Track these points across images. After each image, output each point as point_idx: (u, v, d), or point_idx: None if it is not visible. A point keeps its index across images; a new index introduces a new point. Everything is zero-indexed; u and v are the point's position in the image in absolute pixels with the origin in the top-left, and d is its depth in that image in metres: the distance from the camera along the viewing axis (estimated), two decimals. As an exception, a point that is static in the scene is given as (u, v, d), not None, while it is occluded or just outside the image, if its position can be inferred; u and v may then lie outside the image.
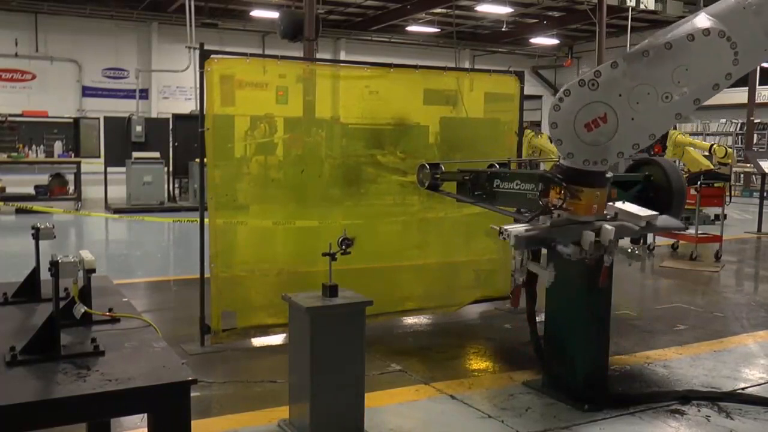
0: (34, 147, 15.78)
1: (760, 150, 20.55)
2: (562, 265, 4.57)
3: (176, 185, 17.09)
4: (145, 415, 2.16)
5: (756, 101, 20.85)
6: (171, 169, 16.44)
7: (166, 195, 16.22)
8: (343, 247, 3.94)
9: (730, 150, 14.40)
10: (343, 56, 25.40)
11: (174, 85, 23.12)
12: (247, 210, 5.90)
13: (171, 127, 16.46)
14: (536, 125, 23.34)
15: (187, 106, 20.81)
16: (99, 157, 16.21)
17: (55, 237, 2.96)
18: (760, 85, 21.13)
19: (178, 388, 2.05)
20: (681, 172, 4.86)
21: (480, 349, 5.85)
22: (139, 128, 15.97)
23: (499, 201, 4.94)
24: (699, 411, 4.39)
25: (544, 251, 4.65)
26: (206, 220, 5.57)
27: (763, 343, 6.02)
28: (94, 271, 2.52)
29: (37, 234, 2.92)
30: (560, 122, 3.92)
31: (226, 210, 5.63)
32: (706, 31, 3.58)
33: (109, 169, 15.67)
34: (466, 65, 25.87)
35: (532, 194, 4.57)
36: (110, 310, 2.62)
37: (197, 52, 5.60)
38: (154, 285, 8.24)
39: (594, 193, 4.10)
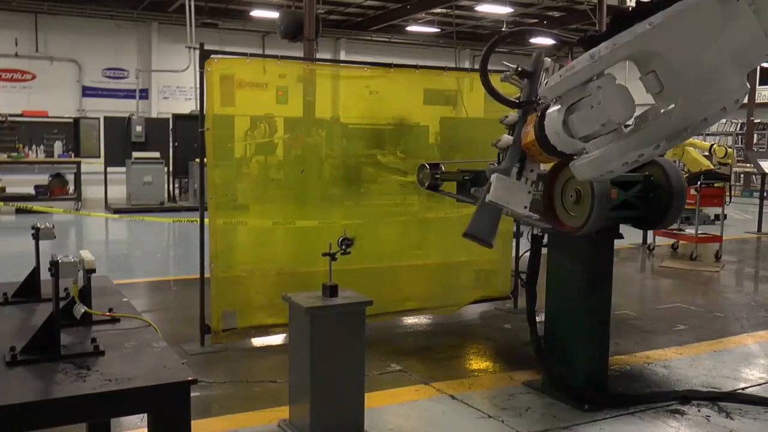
0: (34, 147, 15.77)
1: (760, 150, 20.56)
2: (562, 265, 4.58)
3: (176, 185, 17.09)
4: (145, 415, 2.15)
5: (756, 101, 20.86)
6: (171, 169, 16.44)
7: (166, 195, 16.22)
8: (343, 247, 3.94)
9: (730, 150, 14.39)
10: (343, 56, 25.42)
11: (174, 85, 23.15)
12: (247, 210, 5.90)
13: (171, 127, 16.45)
14: (536, 125, 23.33)
15: (187, 106, 20.83)
16: (99, 157, 16.21)
17: (55, 237, 2.95)
18: (760, 85, 21.13)
19: (178, 388, 2.05)
20: (681, 172, 4.85)
21: (480, 349, 5.85)
22: (139, 128, 15.97)
23: (499, 201, 4.93)
24: (699, 411, 4.39)
25: (544, 251, 4.64)
26: (206, 220, 5.57)
27: (763, 343, 6.02)
28: (94, 271, 2.52)
29: (37, 234, 2.92)
30: None
31: (226, 210, 5.63)
32: None
33: (109, 169, 15.68)
34: (466, 65, 25.90)
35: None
36: (110, 310, 2.62)
37: (197, 52, 5.60)
38: (154, 285, 8.25)
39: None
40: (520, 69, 3.50)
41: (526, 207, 3.74)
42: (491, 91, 3.73)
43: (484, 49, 3.73)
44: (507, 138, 3.57)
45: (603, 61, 3.16)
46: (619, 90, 3.20)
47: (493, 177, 3.41)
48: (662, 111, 3.17)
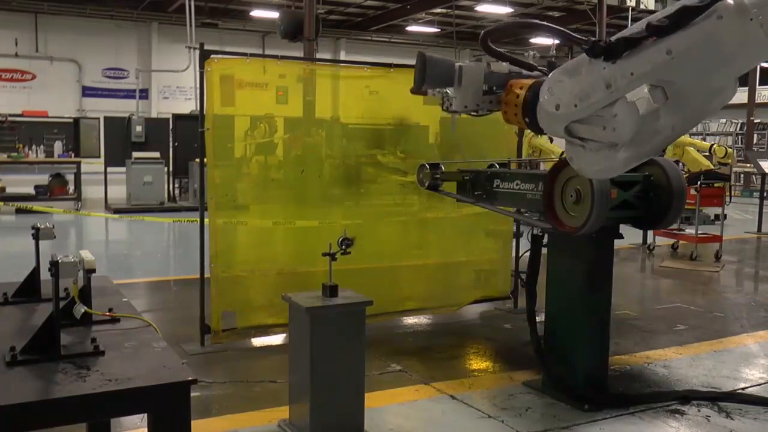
0: (34, 147, 15.77)
1: (760, 150, 20.57)
2: (562, 265, 4.58)
3: (176, 185, 17.09)
4: (145, 415, 2.15)
5: (756, 101, 20.86)
6: (171, 169, 16.45)
7: (166, 195, 16.22)
8: (343, 247, 3.94)
9: (730, 150, 14.39)
10: (343, 56, 25.42)
11: (174, 85, 23.16)
12: (247, 210, 5.90)
13: (171, 127, 16.46)
14: (536, 125, 23.33)
15: (187, 106, 20.83)
16: (99, 157, 16.22)
17: (55, 237, 2.96)
18: (760, 85, 21.14)
19: (178, 388, 2.05)
20: (681, 172, 4.85)
21: (480, 349, 5.85)
22: (139, 128, 15.97)
23: (499, 201, 4.94)
24: (699, 411, 4.39)
25: (544, 251, 4.64)
26: (206, 220, 5.57)
27: (763, 343, 6.02)
28: (94, 271, 2.51)
29: (37, 234, 2.92)
30: None
31: (226, 210, 5.63)
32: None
33: (109, 169, 15.68)
34: (466, 65, 25.82)
35: (532, 194, 4.57)
36: (110, 310, 2.62)
37: (197, 52, 5.60)
38: (154, 285, 8.25)
39: None
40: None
41: (466, 107, 3.88)
42: (500, 55, 3.79)
43: (497, 25, 3.90)
44: (503, 66, 3.74)
45: (620, 92, 3.17)
46: (632, 115, 3.20)
47: (474, 64, 3.66)
48: (664, 123, 3.18)
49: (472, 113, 4.27)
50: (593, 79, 3.33)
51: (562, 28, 3.72)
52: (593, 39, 3.50)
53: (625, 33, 3.23)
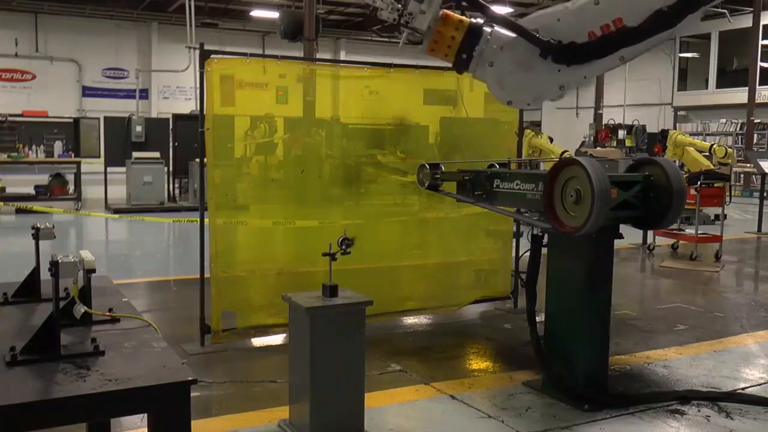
0: (34, 147, 15.78)
1: (760, 150, 20.55)
2: (562, 265, 4.58)
3: (176, 185, 17.09)
4: (145, 415, 2.15)
5: (756, 101, 20.85)
6: (171, 169, 16.45)
7: (166, 195, 16.23)
8: (343, 247, 3.94)
9: (730, 150, 14.39)
10: (343, 56, 25.42)
11: (174, 85, 23.15)
12: (247, 210, 5.90)
13: (171, 127, 16.46)
14: (536, 125, 23.36)
15: (187, 106, 20.83)
16: (99, 157, 16.22)
17: (55, 237, 2.96)
18: (760, 85, 21.14)
19: (178, 388, 2.05)
20: (681, 172, 4.85)
21: (480, 349, 5.85)
22: (139, 128, 15.97)
23: (499, 201, 4.94)
24: (699, 411, 4.39)
25: (544, 251, 4.65)
26: (206, 220, 5.57)
27: (763, 343, 6.02)
28: (94, 271, 2.51)
29: (37, 234, 2.92)
30: None
31: (226, 210, 5.63)
32: None
33: (109, 169, 15.68)
34: (466, 65, 25.80)
35: (532, 194, 4.57)
36: (110, 310, 2.62)
37: (197, 52, 5.60)
38: (154, 285, 8.25)
39: None
40: None
41: (394, 20, 3.82)
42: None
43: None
44: None
45: (569, 89, 3.88)
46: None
47: None
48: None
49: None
50: (548, 80, 3.62)
51: (524, 27, 3.81)
52: (555, 45, 3.62)
53: (573, 31, 3.55)
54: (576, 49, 3.70)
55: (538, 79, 3.94)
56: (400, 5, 3.78)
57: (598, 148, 17.11)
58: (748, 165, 16.88)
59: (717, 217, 12.70)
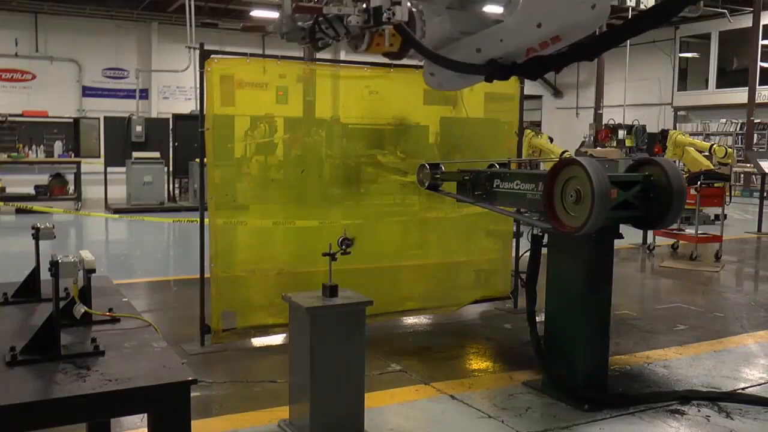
0: (34, 147, 15.78)
1: (760, 150, 20.54)
2: (562, 265, 4.58)
3: (176, 185, 17.09)
4: (145, 415, 2.15)
5: (756, 101, 20.85)
6: (171, 169, 16.45)
7: (166, 195, 16.23)
8: (343, 247, 3.94)
9: (730, 150, 14.39)
10: (343, 56, 25.38)
11: (174, 85, 23.13)
12: (247, 210, 5.90)
13: (171, 127, 16.46)
14: (536, 125, 23.36)
15: (187, 106, 20.82)
16: (99, 157, 16.22)
17: (55, 237, 2.96)
18: (760, 85, 21.14)
19: (178, 388, 2.05)
20: (681, 172, 4.85)
21: (480, 349, 5.85)
22: (139, 128, 15.97)
23: (499, 201, 4.94)
24: (699, 411, 4.39)
25: (544, 251, 4.65)
26: (206, 220, 5.57)
27: (763, 343, 6.02)
28: (94, 271, 2.51)
29: (37, 234, 2.92)
30: None
31: (226, 210, 5.63)
32: None
33: (109, 169, 15.68)
34: (466, 65, 25.80)
35: (532, 194, 4.57)
36: (110, 310, 2.62)
37: (197, 52, 5.60)
38: (154, 285, 8.24)
39: None
40: None
41: (348, 21, 3.79)
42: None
43: None
44: None
45: None
46: None
47: None
48: None
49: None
50: (474, 82, 3.87)
51: (467, 62, 3.88)
52: (499, 71, 3.71)
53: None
54: (516, 69, 3.83)
55: (473, 77, 4.18)
56: (364, 5, 3.76)
57: (598, 148, 17.10)
58: (748, 165, 16.88)
59: (717, 217, 12.70)
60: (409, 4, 3.75)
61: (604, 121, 20.57)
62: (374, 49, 3.85)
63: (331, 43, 3.93)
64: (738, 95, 21.84)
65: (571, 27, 3.73)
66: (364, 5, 3.73)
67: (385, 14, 3.66)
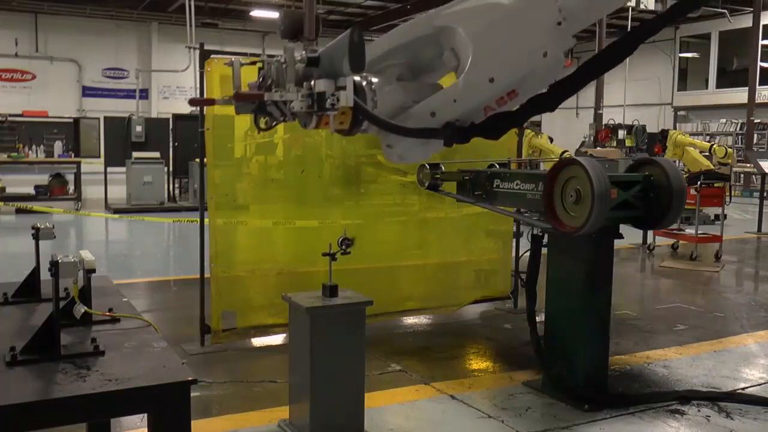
0: (34, 147, 15.79)
1: (760, 150, 20.54)
2: (562, 265, 4.58)
3: (176, 185, 17.10)
4: (145, 415, 2.15)
5: (756, 101, 20.85)
6: (171, 169, 16.45)
7: (166, 195, 16.23)
8: (343, 247, 3.94)
9: (730, 150, 14.40)
10: (343, 56, 25.38)
11: (174, 85, 23.14)
12: (247, 210, 5.90)
13: (171, 127, 16.46)
14: (536, 125, 23.35)
15: (187, 106, 20.77)
16: (99, 157, 16.22)
17: (55, 237, 2.96)
18: (760, 85, 21.14)
19: (178, 388, 2.05)
20: (681, 172, 4.85)
21: (480, 349, 5.85)
22: (139, 128, 15.98)
23: (499, 201, 4.94)
24: (699, 411, 4.39)
25: (544, 251, 4.65)
26: (206, 220, 5.57)
27: (763, 343, 6.02)
28: (94, 271, 2.51)
29: (37, 234, 2.92)
30: None
31: (226, 210, 5.63)
32: None
33: (109, 169, 15.68)
34: (466, 65, 25.81)
35: (532, 194, 4.57)
36: (110, 310, 2.62)
37: (197, 52, 5.60)
38: (154, 285, 8.25)
39: None
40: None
41: (291, 107, 3.58)
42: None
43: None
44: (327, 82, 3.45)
45: None
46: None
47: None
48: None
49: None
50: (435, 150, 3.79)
51: (421, 129, 3.70)
52: (458, 134, 3.64)
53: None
54: (476, 130, 3.73)
55: (434, 146, 4.01)
56: (308, 90, 3.53)
57: (598, 148, 17.10)
58: (748, 165, 16.88)
59: (717, 217, 12.70)
60: (357, 78, 3.63)
61: (604, 121, 20.57)
62: (324, 128, 3.72)
63: (275, 125, 3.84)
64: (738, 95, 21.84)
65: (526, 79, 3.56)
66: (308, 91, 3.59)
67: (329, 100, 3.47)
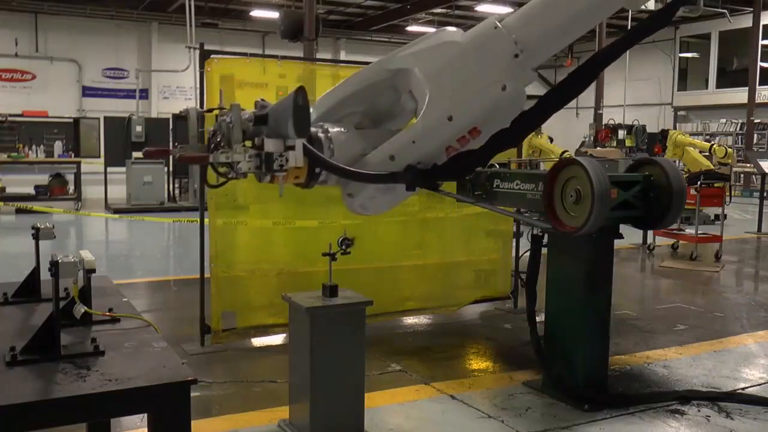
0: (34, 147, 15.80)
1: (760, 150, 20.54)
2: (562, 265, 4.58)
3: (176, 185, 17.09)
4: (145, 415, 2.15)
5: (756, 101, 20.85)
6: (171, 169, 16.44)
7: (166, 195, 16.23)
8: (343, 247, 3.94)
9: (730, 150, 14.40)
10: (343, 56, 25.40)
11: (174, 85, 23.12)
12: (247, 210, 5.89)
13: (171, 127, 16.46)
14: (536, 125, 23.28)
15: (187, 106, 20.81)
16: (99, 157, 16.22)
17: (55, 237, 2.96)
18: (760, 85, 21.14)
19: (178, 388, 2.05)
20: (681, 172, 4.85)
21: (480, 349, 5.85)
22: (139, 128, 15.98)
23: (499, 201, 4.94)
24: (699, 411, 4.39)
25: (544, 251, 4.65)
26: (206, 220, 5.56)
27: (763, 343, 6.02)
28: (94, 271, 2.51)
29: (37, 234, 2.92)
30: None
31: (226, 210, 5.62)
32: None
33: (109, 169, 15.69)
34: (466, 65, 25.79)
35: (532, 194, 4.57)
36: (110, 310, 2.62)
37: (197, 52, 5.60)
38: (154, 285, 8.25)
39: None
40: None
41: (239, 168, 3.46)
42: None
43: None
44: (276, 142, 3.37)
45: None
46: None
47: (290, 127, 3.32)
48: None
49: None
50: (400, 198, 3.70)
51: (380, 174, 3.63)
52: (419, 179, 3.57)
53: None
54: (438, 172, 3.64)
55: (398, 193, 3.91)
56: (256, 151, 3.41)
57: (598, 148, 17.10)
58: (748, 165, 16.88)
59: (717, 217, 12.70)
60: (313, 129, 3.54)
61: (604, 121, 20.57)
62: (278, 182, 3.57)
63: (225, 182, 3.75)
64: (738, 95, 21.84)
65: (486, 115, 3.48)
66: (256, 151, 3.37)
67: (276, 161, 3.32)
